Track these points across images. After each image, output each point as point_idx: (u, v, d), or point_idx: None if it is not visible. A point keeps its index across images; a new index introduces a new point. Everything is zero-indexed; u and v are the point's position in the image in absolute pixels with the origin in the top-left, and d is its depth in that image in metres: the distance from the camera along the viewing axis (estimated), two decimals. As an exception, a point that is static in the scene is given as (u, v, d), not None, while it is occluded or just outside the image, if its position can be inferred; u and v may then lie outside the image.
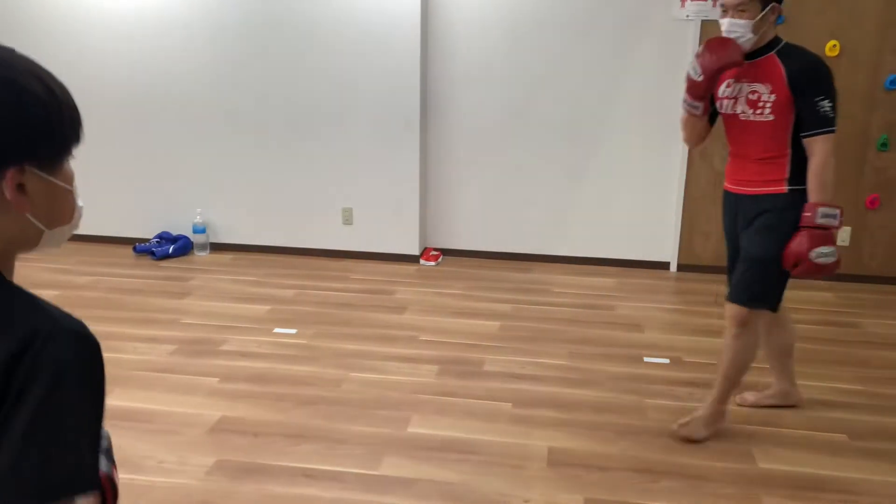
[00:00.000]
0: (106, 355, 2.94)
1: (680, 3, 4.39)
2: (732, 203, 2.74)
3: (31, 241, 0.89)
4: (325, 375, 3.22)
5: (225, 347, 3.49)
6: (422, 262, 4.86)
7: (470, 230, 4.98)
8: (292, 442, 2.68)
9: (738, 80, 2.60)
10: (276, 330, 3.71)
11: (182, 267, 4.70)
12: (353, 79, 4.63)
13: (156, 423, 2.79)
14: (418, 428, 2.80)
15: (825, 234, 2.45)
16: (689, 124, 2.75)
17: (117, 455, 2.65)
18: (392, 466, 2.54)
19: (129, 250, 4.98)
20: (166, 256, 4.85)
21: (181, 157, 4.95)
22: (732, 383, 2.75)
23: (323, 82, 4.67)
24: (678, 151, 4.61)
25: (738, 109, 2.60)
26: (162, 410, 2.89)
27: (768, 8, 2.46)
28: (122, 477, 2.44)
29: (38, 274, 4.50)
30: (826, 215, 2.45)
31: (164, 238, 4.98)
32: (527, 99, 4.67)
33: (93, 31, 4.78)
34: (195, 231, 4.94)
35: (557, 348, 3.55)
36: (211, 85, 4.78)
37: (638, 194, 4.74)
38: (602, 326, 3.85)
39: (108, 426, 2.92)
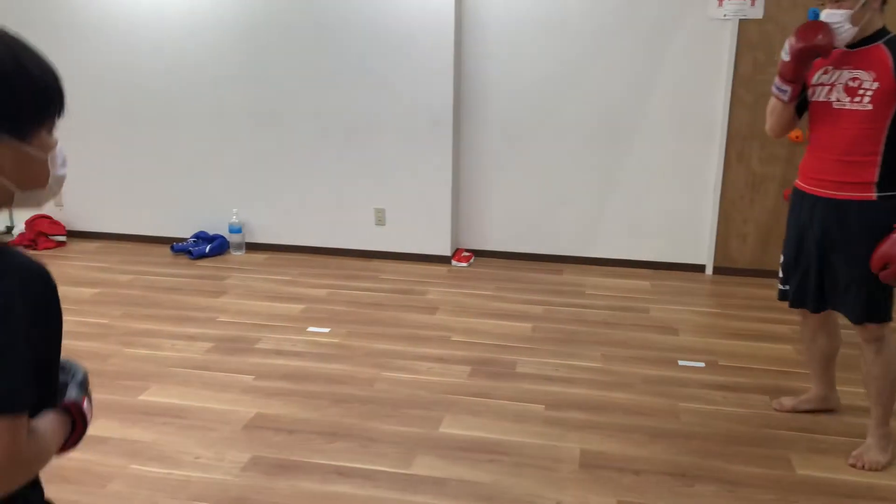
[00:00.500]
0: (144, 352, 3.03)
1: (717, 2, 4.33)
2: (806, 205, 2.55)
3: (3, 200, 0.97)
4: (358, 374, 3.25)
5: (260, 345, 3.54)
6: (453, 262, 4.86)
7: (502, 231, 4.97)
8: (326, 440, 2.71)
9: (837, 66, 2.42)
10: (310, 329, 3.75)
11: (218, 266, 4.78)
12: (387, 80, 4.66)
13: (192, 419, 2.84)
14: (450, 428, 2.81)
15: None
16: (776, 110, 2.60)
17: (155, 450, 2.70)
18: (424, 466, 2.55)
19: (166, 249, 5.07)
20: (203, 256, 4.93)
21: (218, 158, 5.02)
22: (890, 401, 2.57)
23: (357, 83, 4.71)
24: (714, 152, 4.55)
25: (833, 97, 2.42)
26: (198, 406, 2.94)
27: None
28: (160, 472, 2.50)
29: (80, 272, 4.61)
30: None
31: (201, 238, 5.06)
32: (560, 99, 4.65)
33: (134, 35, 4.88)
34: (231, 231, 5.02)
35: (590, 350, 3.53)
36: (246, 87, 4.85)
37: (672, 195, 4.69)
38: (636, 329, 3.82)
39: (146, 421, 2.97)
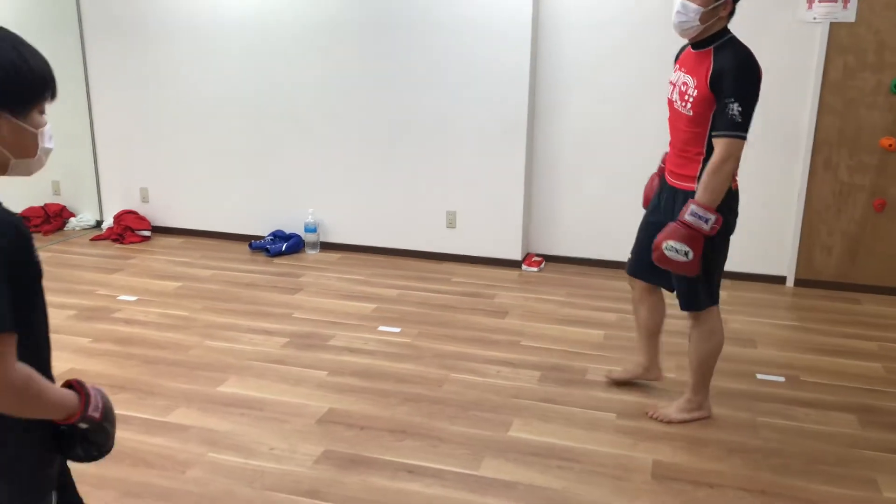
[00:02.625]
0: (223, 345, 3.14)
1: (806, 5, 4.18)
2: (663, 187, 2.82)
3: (1, 166, 1.19)
4: (428, 375, 3.27)
5: (333, 342, 3.60)
6: (524, 267, 4.84)
7: (574, 237, 4.92)
8: (396, 437, 2.74)
9: (681, 67, 2.67)
10: (381, 328, 3.79)
11: (294, 264, 4.89)
12: (461, 83, 4.68)
13: (268, 411, 2.92)
14: (519, 432, 2.79)
15: (687, 232, 2.46)
16: None
17: (232, 440, 2.78)
18: (492, 468, 2.55)
19: (245, 247, 5.23)
20: (279, 253, 5.06)
21: (295, 160, 5.15)
22: (701, 374, 2.83)
23: (431, 86, 4.75)
24: (799, 160, 4.39)
25: (674, 97, 2.65)
26: (274, 399, 3.02)
27: (721, 2, 2.47)
28: (237, 461, 2.57)
29: (163, 266, 4.80)
30: (695, 214, 2.45)
31: (278, 236, 5.19)
32: (637, 103, 4.57)
33: (217, 40, 5.05)
34: (307, 230, 5.13)
35: (664, 360, 3.44)
36: (323, 91, 4.95)
37: (752, 204, 4.53)
38: (712, 340, 3.71)
39: (224, 412, 3.06)
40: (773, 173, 4.45)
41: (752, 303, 4.27)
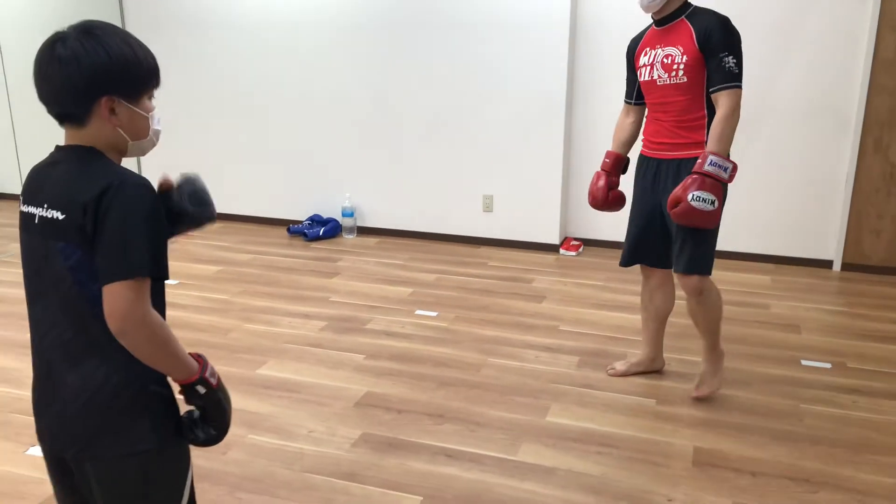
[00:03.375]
0: (262, 328, 3.18)
1: (856, -20, 4.04)
2: (650, 168, 2.80)
3: (121, 147, 1.34)
4: (465, 359, 3.26)
5: (370, 326, 3.62)
6: (562, 251, 4.80)
7: (613, 220, 4.83)
8: (434, 421, 2.74)
9: (652, 46, 2.71)
10: (418, 312, 3.80)
11: (331, 248, 4.92)
12: (499, 67, 4.63)
13: (306, 394, 2.94)
14: (557, 418, 2.77)
15: (710, 182, 2.47)
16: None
17: (271, 422, 2.80)
18: (531, 453, 2.54)
19: (283, 231, 5.27)
20: (317, 238, 5.09)
21: (332, 145, 5.16)
22: (716, 337, 2.85)
23: (469, 71, 4.71)
24: (848, 141, 4.26)
25: (655, 75, 2.69)
26: (312, 382, 3.04)
27: None
28: (276, 443, 2.60)
29: (203, 250, 4.87)
30: (715, 164, 2.48)
31: (316, 221, 5.23)
32: (679, 85, 4.47)
33: (256, 26, 5.08)
34: (344, 215, 5.15)
35: (674, 343, 3.39)
36: (361, 75, 4.95)
37: (799, 186, 4.43)
38: (755, 325, 3.64)
39: (263, 394, 3.08)
40: (820, 154, 4.33)
41: (797, 287, 4.17)
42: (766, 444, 2.59)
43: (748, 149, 4.45)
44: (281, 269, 4.49)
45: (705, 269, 2.70)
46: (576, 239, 4.91)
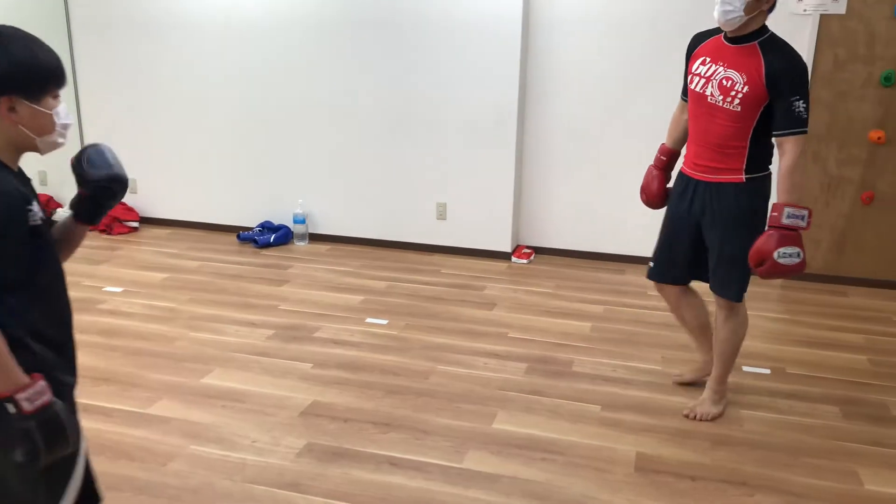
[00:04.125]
0: (208, 336, 3.12)
1: (796, -3, 4.17)
2: (689, 187, 2.76)
3: (29, 144, 1.43)
4: (414, 367, 3.26)
5: (319, 334, 3.59)
6: (513, 259, 4.83)
7: (563, 229, 4.91)
8: (380, 430, 2.73)
9: (714, 60, 2.60)
10: (368, 320, 3.78)
11: (282, 255, 4.87)
12: (452, 75, 4.66)
13: (251, 404, 2.90)
14: (504, 424, 2.79)
15: (791, 235, 2.45)
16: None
17: (214, 432, 2.76)
18: (476, 461, 2.54)
19: (233, 238, 5.20)
20: (268, 245, 5.03)
21: (284, 150, 5.12)
22: (731, 363, 2.87)
23: (422, 78, 4.72)
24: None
25: (709, 91, 2.60)
26: (257, 392, 3.00)
27: None
28: (218, 453, 2.56)
29: (151, 257, 4.77)
30: (792, 216, 2.46)
31: (266, 227, 5.17)
32: (626, 96, 4.55)
33: (205, 32, 5.01)
34: (295, 221, 5.11)
35: (650, 352, 3.45)
36: (312, 82, 4.92)
37: (742, 197, 4.54)
38: (699, 332, 3.71)
39: (207, 404, 3.02)
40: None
41: (740, 295, 4.27)
42: (706, 449, 2.65)
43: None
44: (229, 276, 4.43)
45: (740, 297, 2.74)
46: (527, 247, 4.96)
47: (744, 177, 2.61)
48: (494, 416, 2.85)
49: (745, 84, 2.50)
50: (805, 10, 4.16)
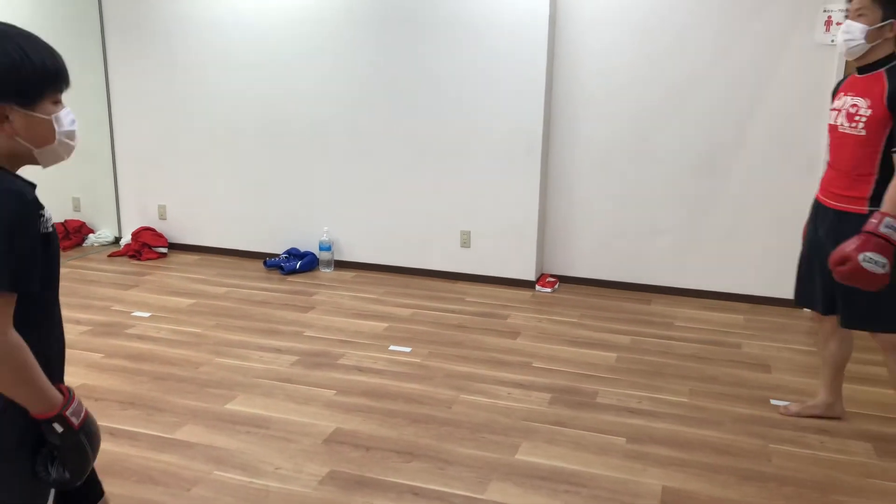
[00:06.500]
0: (233, 362, 3.15)
1: (824, 28, 4.16)
2: (818, 212, 2.81)
3: (27, 157, 1.28)
4: (437, 395, 3.25)
5: (342, 361, 3.60)
6: (538, 288, 4.82)
7: (589, 258, 4.89)
8: (403, 459, 2.72)
9: (846, 92, 2.69)
10: (392, 347, 3.78)
11: (307, 282, 4.91)
12: (477, 104, 4.70)
13: (275, 430, 2.91)
14: (527, 456, 2.76)
15: (882, 244, 2.40)
16: None
17: (238, 458, 2.76)
18: (499, 492, 2.52)
19: (260, 264, 5.25)
20: (294, 271, 5.08)
21: (311, 178, 5.18)
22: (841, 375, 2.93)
23: (448, 108, 4.77)
24: (816, 180, 4.33)
25: (839, 121, 2.66)
26: (281, 418, 3.01)
27: (887, 22, 2.51)
28: (241, 479, 2.56)
29: (178, 283, 4.83)
30: (890, 226, 2.41)
31: (293, 254, 5.22)
32: (655, 126, 4.55)
33: (233, 61, 5.13)
34: (321, 248, 5.15)
35: (677, 384, 3.41)
36: (339, 110, 4.99)
37: (771, 227, 4.50)
38: (726, 364, 3.66)
39: (231, 429, 3.04)
40: (791, 196, 4.40)
41: (769, 327, 4.21)
42: (734, 484, 2.59)
43: (721, 190, 4.53)
44: (255, 302, 4.47)
45: (875, 326, 2.69)
46: (552, 276, 4.94)
47: (867, 208, 2.58)
48: (518, 446, 2.82)
49: (868, 107, 2.55)
50: (832, 41, 4.15)
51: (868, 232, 2.41)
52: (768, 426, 3.02)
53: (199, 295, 4.58)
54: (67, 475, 1.27)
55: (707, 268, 4.67)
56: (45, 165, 1.31)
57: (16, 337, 1.17)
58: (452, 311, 4.36)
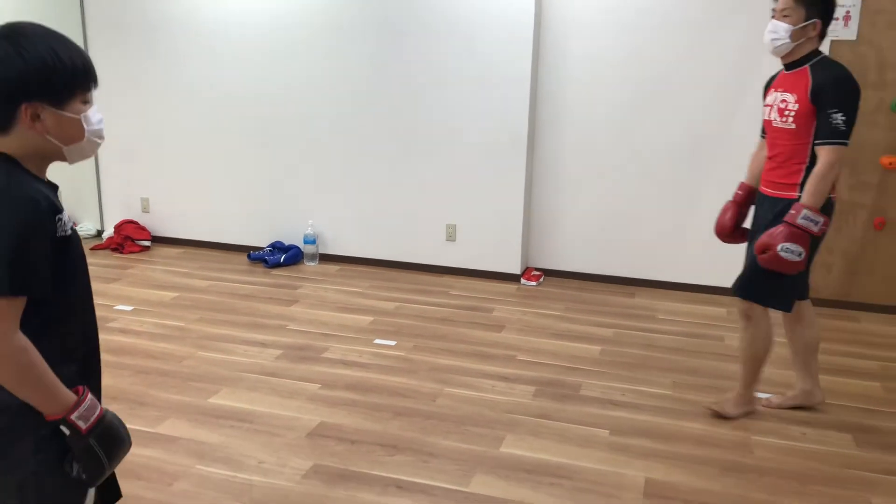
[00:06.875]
0: (216, 356, 3.12)
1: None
2: (760, 202, 2.93)
3: (57, 154, 1.30)
4: (422, 388, 3.25)
5: (327, 355, 3.59)
6: (523, 281, 4.82)
7: (573, 252, 4.91)
8: (387, 452, 2.72)
9: (776, 88, 2.81)
10: (377, 341, 3.78)
11: (292, 275, 4.88)
12: (463, 98, 4.69)
13: (258, 424, 2.90)
14: (511, 448, 2.77)
15: (800, 234, 2.59)
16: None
17: (221, 453, 2.75)
18: (483, 485, 2.52)
19: (244, 257, 5.23)
20: (278, 265, 5.05)
21: (296, 171, 5.16)
22: (752, 371, 2.98)
23: (433, 101, 4.75)
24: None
25: (772, 116, 2.80)
26: (265, 412, 3.00)
27: (810, 22, 2.65)
28: (225, 474, 2.55)
29: (161, 276, 4.80)
30: (807, 218, 2.59)
31: (277, 247, 5.19)
32: (638, 119, 4.57)
33: (216, 54, 5.08)
34: (306, 242, 5.13)
35: (660, 377, 3.43)
36: (325, 104, 4.97)
37: (753, 221, 4.53)
38: (709, 357, 3.69)
39: (215, 423, 3.02)
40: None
41: (750, 320, 4.23)
42: (716, 476, 2.62)
43: (703, 184, 4.55)
44: (239, 296, 4.45)
45: (753, 296, 2.85)
46: (537, 269, 4.95)
47: (798, 194, 2.71)
48: (502, 439, 2.83)
49: (795, 102, 2.68)
50: (815, 36, 4.17)
51: (787, 223, 2.60)
52: (750, 418, 3.04)
53: (182, 288, 4.55)
54: (84, 475, 1.28)
55: (690, 261, 4.69)
56: (72, 162, 1.34)
57: (20, 339, 1.18)
58: (437, 305, 4.36)
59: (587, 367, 3.52)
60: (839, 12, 4.10)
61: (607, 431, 2.91)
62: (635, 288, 4.74)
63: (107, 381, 3.23)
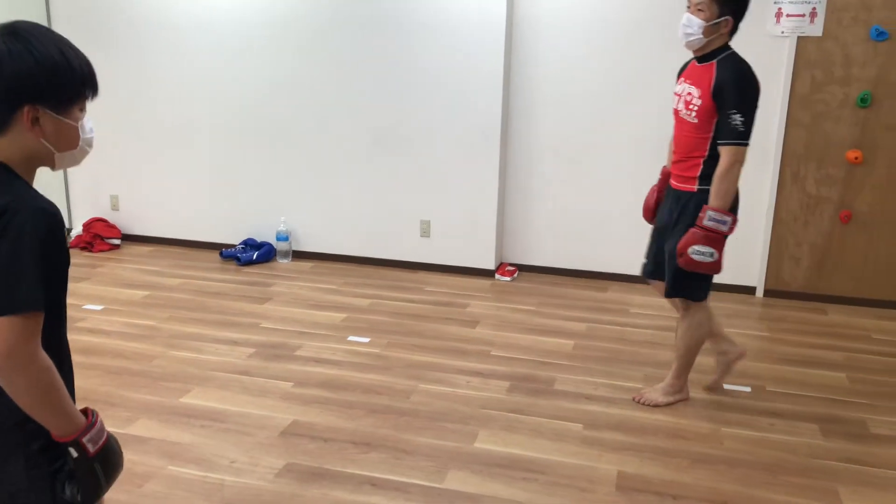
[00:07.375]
0: (188, 355, 3.10)
1: (774, 19, 4.23)
2: (667, 193, 3.01)
3: (47, 159, 1.26)
4: (396, 385, 3.24)
5: (300, 353, 3.57)
6: (497, 276, 4.84)
7: (547, 246, 4.93)
8: (360, 450, 2.71)
9: (686, 79, 2.87)
10: (350, 338, 3.76)
11: (264, 273, 4.85)
12: (436, 93, 4.68)
13: (230, 423, 2.88)
14: (485, 444, 2.78)
15: (709, 236, 2.67)
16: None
17: (192, 453, 2.73)
18: (457, 480, 2.53)
19: (215, 255, 5.17)
20: (250, 262, 5.01)
21: (268, 167, 5.11)
22: (686, 360, 3.05)
23: (405, 96, 4.74)
24: (768, 172, 4.43)
25: (679, 106, 2.85)
26: (237, 411, 2.98)
27: (723, 19, 2.70)
28: (196, 474, 2.52)
29: (131, 275, 4.73)
30: (714, 219, 2.67)
31: (249, 244, 5.15)
32: (610, 115, 4.59)
33: (186, 48, 5.02)
34: (278, 239, 5.09)
35: (632, 370, 3.46)
36: (295, 99, 4.93)
37: (723, 215, 4.58)
38: (680, 350, 3.73)
39: (186, 423, 2.99)
40: (742, 185, 4.43)
41: (722, 313, 4.27)
42: (687, 468, 2.65)
43: (675, 178, 4.59)
44: (211, 294, 4.40)
45: (682, 294, 2.94)
46: (511, 264, 4.97)
47: (696, 187, 2.81)
48: (476, 435, 2.84)
49: (699, 97, 2.74)
50: (783, 33, 4.23)
51: (696, 226, 2.69)
52: (720, 410, 3.09)
53: (152, 287, 4.49)
54: (79, 497, 1.26)
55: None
56: (58, 169, 1.31)
57: (45, 359, 1.15)
58: (412, 301, 4.36)
59: (561, 361, 3.54)
60: (805, 8, 4.17)
61: (580, 425, 2.93)
62: (608, 282, 4.78)
63: (76, 381, 3.17)
